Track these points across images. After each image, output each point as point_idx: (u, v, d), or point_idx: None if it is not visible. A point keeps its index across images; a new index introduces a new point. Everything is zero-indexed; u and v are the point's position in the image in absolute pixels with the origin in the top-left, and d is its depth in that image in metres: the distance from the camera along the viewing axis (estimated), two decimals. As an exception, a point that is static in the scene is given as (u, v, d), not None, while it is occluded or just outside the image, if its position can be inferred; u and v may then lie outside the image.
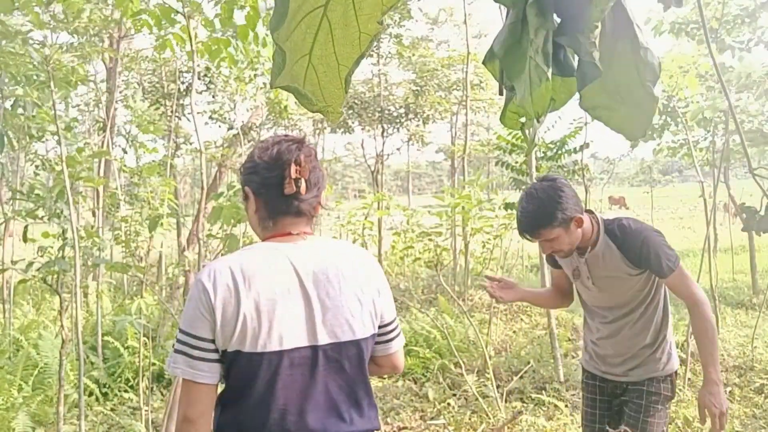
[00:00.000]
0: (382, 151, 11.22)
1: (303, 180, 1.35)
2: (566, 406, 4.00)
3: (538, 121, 0.78)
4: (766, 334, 5.66)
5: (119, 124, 8.80)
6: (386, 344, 1.47)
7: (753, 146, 6.35)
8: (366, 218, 7.24)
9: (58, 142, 3.19)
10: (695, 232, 16.81)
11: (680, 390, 4.22)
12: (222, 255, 3.31)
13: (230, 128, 9.88)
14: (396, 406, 4.18)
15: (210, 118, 9.78)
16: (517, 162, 5.74)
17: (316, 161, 1.41)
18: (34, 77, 3.63)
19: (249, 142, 9.45)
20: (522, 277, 9.85)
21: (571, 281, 2.33)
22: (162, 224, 4.66)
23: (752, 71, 5.50)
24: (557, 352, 4.65)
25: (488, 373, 4.18)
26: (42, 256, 3.61)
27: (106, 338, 4.88)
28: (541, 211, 2.00)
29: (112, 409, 4.15)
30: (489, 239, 7.02)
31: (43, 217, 3.46)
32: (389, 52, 11.09)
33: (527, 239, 2.13)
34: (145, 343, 4.05)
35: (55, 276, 3.13)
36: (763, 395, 4.19)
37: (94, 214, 6.98)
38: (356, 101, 10.76)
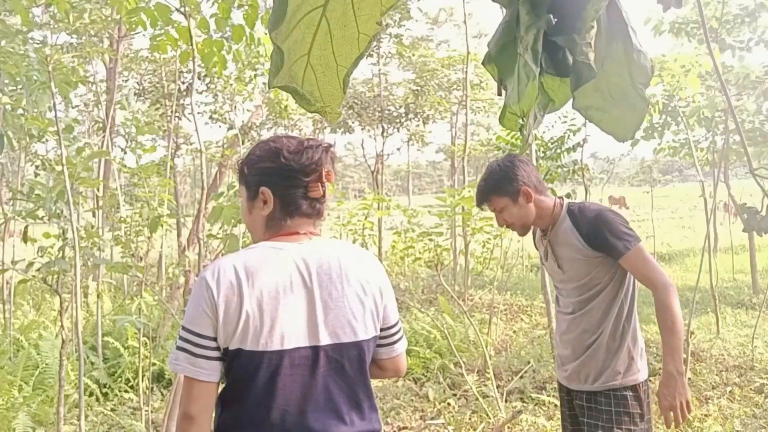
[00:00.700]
0: (382, 151, 11.22)
1: (327, 183, 1.39)
2: (566, 405, 4.00)
3: (522, 120, 0.78)
4: (766, 334, 5.66)
5: (119, 125, 8.81)
6: (389, 347, 1.47)
7: (752, 146, 6.34)
8: (366, 218, 7.24)
9: (59, 143, 3.19)
10: (695, 231, 16.83)
11: (680, 390, 4.21)
12: (222, 255, 3.31)
13: (230, 128, 9.88)
14: (396, 406, 4.18)
15: (210, 118, 9.79)
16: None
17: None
18: (35, 77, 3.63)
19: (249, 142, 9.45)
20: (522, 277, 9.85)
21: None
22: (162, 225, 4.65)
23: (751, 71, 5.50)
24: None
25: (488, 373, 4.18)
26: (42, 257, 3.61)
27: (106, 338, 4.88)
28: (492, 180, 2.07)
29: (112, 409, 4.15)
30: (489, 239, 7.02)
31: (43, 217, 3.46)
32: (389, 52, 11.10)
33: (482, 209, 2.18)
34: (145, 343, 4.05)
35: (55, 276, 3.13)
36: (763, 395, 4.19)
37: (94, 215, 6.99)
38: (356, 101, 10.76)
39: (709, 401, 4.09)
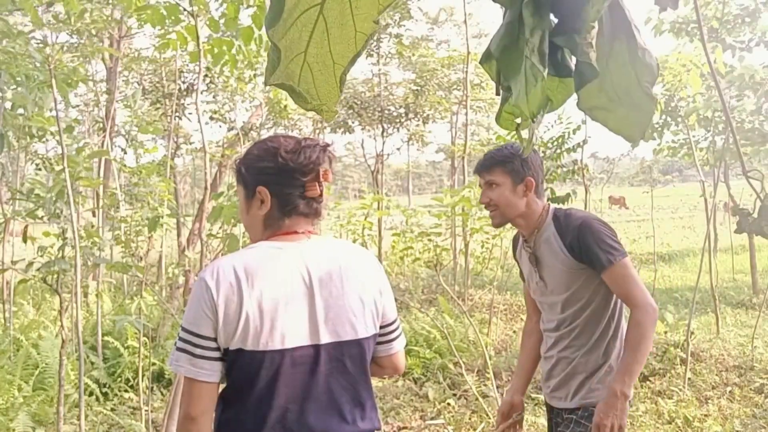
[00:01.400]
0: (382, 150, 11.22)
1: (325, 183, 1.39)
2: (566, 405, 4.00)
3: (533, 121, 0.78)
4: (766, 334, 5.66)
5: (119, 124, 8.81)
6: (388, 344, 1.47)
7: (750, 145, 6.34)
8: (366, 218, 7.24)
9: (59, 142, 3.19)
10: (695, 232, 16.83)
11: (680, 390, 4.22)
12: (222, 255, 3.31)
13: (230, 128, 9.89)
14: (396, 405, 4.18)
15: (210, 118, 9.79)
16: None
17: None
18: (35, 77, 3.63)
19: (249, 141, 9.45)
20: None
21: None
22: (162, 225, 4.66)
23: (755, 71, 5.50)
24: (557, 352, 4.64)
25: (488, 373, 4.18)
26: (42, 256, 3.61)
27: (106, 338, 4.88)
28: (505, 153, 1.96)
29: (112, 409, 4.15)
30: (488, 239, 7.02)
31: (42, 217, 3.46)
32: (389, 52, 11.10)
33: (479, 177, 2.04)
34: (145, 343, 4.05)
35: (55, 276, 3.13)
36: (763, 395, 4.19)
37: (94, 214, 6.99)
38: (356, 101, 10.76)
39: (709, 401, 4.09)
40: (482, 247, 7.86)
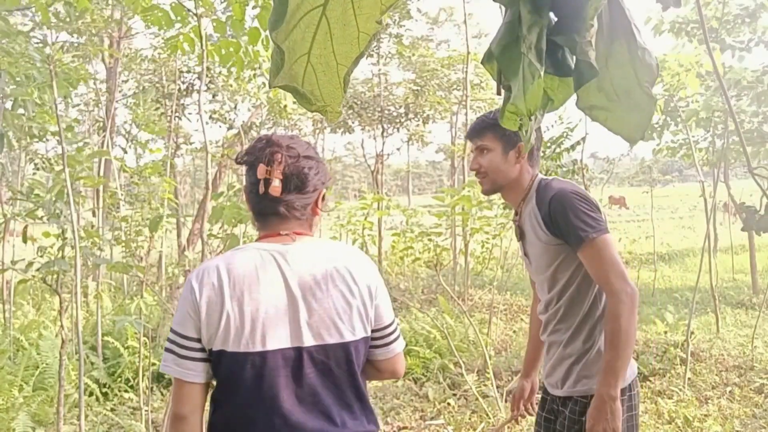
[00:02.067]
0: (382, 151, 11.23)
1: (277, 180, 1.33)
2: (566, 405, 4.00)
3: (531, 119, 0.78)
4: (766, 334, 5.66)
5: (119, 124, 8.81)
6: (385, 348, 1.44)
7: (749, 145, 6.34)
8: (366, 218, 7.24)
9: (59, 142, 3.19)
10: (695, 232, 16.84)
11: (680, 390, 4.22)
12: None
13: (230, 128, 9.89)
14: (396, 405, 4.18)
15: (210, 117, 9.80)
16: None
17: (304, 162, 1.36)
18: (35, 77, 3.63)
19: (249, 141, 9.45)
20: (522, 277, 9.85)
21: None
22: (162, 225, 4.66)
23: (752, 72, 5.50)
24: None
25: (488, 373, 4.18)
26: (42, 256, 3.61)
27: (106, 338, 4.88)
28: (494, 116, 1.82)
29: (112, 409, 4.15)
30: (488, 239, 7.02)
31: (42, 217, 3.46)
32: (389, 52, 11.10)
33: (470, 142, 1.92)
34: (145, 343, 4.05)
35: (55, 276, 3.13)
36: (763, 395, 4.19)
37: (94, 214, 6.99)
38: (356, 101, 10.76)
39: (709, 401, 4.09)
40: (482, 247, 7.85)
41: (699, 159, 6.52)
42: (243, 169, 1.41)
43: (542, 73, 0.73)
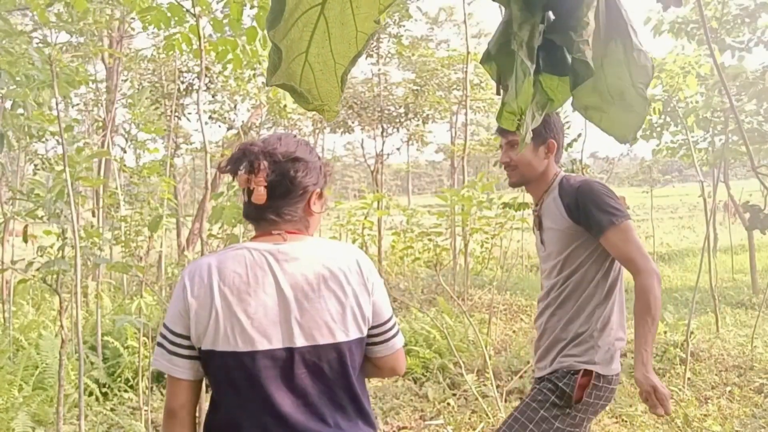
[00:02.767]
0: (382, 150, 11.23)
1: (261, 188, 1.32)
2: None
3: (528, 118, 0.78)
4: (766, 334, 5.66)
5: (119, 124, 8.81)
6: (384, 344, 1.42)
7: (749, 145, 6.33)
8: (366, 218, 7.24)
9: (59, 142, 3.19)
10: (695, 232, 16.84)
11: (680, 390, 4.22)
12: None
13: (230, 128, 9.89)
14: (395, 405, 4.18)
15: (210, 118, 9.79)
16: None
17: (288, 165, 1.34)
18: (35, 77, 3.63)
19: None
20: (522, 277, 9.86)
21: None
22: (162, 225, 4.65)
23: (750, 71, 5.50)
24: (557, 352, 4.64)
25: (488, 373, 4.18)
26: (42, 256, 3.61)
27: (105, 338, 4.88)
28: None
29: (112, 409, 4.15)
30: (487, 239, 7.02)
31: (42, 217, 3.46)
32: (389, 52, 11.10)
33: (501, 137, 2.03)
34: (145, 343, 4.05)
35: (55, 276, 3.13)
36: (763, 395, 4.19)
37: (94, 214, 6.99)
38: (356, 101, 10.76)
39: (709, 401, 4.10)
40: (482, 247, 7.85)
41: (698, 159, 6.52)
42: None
43: (532, 70, 0.72)
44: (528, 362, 4.80)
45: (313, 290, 1.30)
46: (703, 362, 4.89)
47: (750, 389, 4.28)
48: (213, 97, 9.61)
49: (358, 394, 1.36)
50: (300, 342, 1.28)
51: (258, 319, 1.27)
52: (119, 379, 4.55)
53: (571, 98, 0.88)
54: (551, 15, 0.75)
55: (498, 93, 0.85)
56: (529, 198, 5.06)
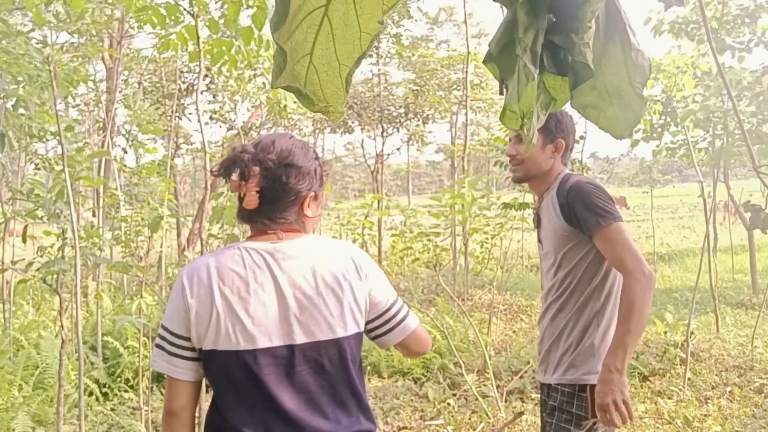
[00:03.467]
0: (382, 151, 11.23)
1: (252, 193, 1.32)
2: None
3: (533, 119, 0.78)
4: (766, 334, 5.66)
5: (119, 124, 8.81)
6: (395, 330, 1.43)
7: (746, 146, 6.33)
8: (366, 218, 7.25)
9: (59, 142, 3.19)
10: (695, 232, 16.85)
11: (680, 390, 4.22)
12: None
13: (230, 128, 9.89)
14: (396, 405, 4.18)
15: (210, 118, 9.79)
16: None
17: (281, 171, 1.33)
18: (36, 77, 3.63)
19: (249, 141, 9.46)
20: (522, 277, 9.86)
21: None
22: (162, 226, 4.65)
23: (750, 72, 5.50)
24: (557, 352, 4.64)
25: (488, 373, 4.18)
26: (42, 256, 3.61)
27: (105, 338, 4.88)
28: None
29: (112, 409, 4.15)
30: (487, 239, 7.02)
31: (42, 217, 3.46)
32: (389, 52, 11.10)
33: (510, 130, 1.96)
34: (145, 343, 4.05)
35: (55, 276, 3.13)
36: (763, 395, 4.19)
37: (94, 214, 6.99)
38: (356, 101, 10.76)
39: (709, 401, 4.10)
40: (482, 247, 7.86)
41: (698, 159, 6.52)
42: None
43: (536, 76, 0.73)
44: (528, 362, 4.81)
45: (311, 287, 1.32)
46: (703, 362, 4.89)
47: (750, 389, 4.29)
48: (213, 97, 9.61)
49: (359, 390, 1.37)
50: (300, 339, 1.30)
51: (258, 318, 1.28)
52: (119, 379, 4.55)
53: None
54: (552, 17, 0.75)
55: (501, 93, 0.85)
56: (529, 198, 5.07)
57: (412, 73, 11.28)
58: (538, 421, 3.75)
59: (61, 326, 3.01)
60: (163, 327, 1.33)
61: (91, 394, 4.27)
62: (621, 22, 0.85)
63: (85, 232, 3.78)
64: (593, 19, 0.75)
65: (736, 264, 9.85)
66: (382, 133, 10.98)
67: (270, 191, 1.33)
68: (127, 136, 7.41)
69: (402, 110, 11.02)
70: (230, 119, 9.88)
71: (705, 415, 3.84)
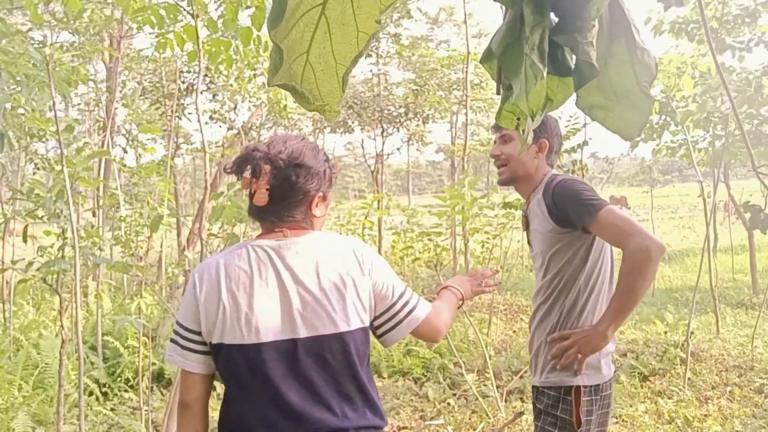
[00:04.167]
0: (382, 150, 11.23)
1: (262, 191, 1.36)
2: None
3: (533, 120, 0.78)
4: (766, 334, 5.66)
5: (119, 124, 8.81)
6: (405, 321, 1.45)
7: (745, 147, 6.32)
8: (366, 218, 7.24)
9: (59, 142, 3.19)
10: (695, 232, 16.83)
11: (680, 390, 4.22)
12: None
13: (230, 128, 9.89)
14: (396, 405, 4.18)
15: (210, 118, 9.79)
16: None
17: (291, 170, 1.37)
18: (35, 76, 3.63)
19: (249, 141, 9.45)
20: (522, 277, 9.86)
21: None
22: (162, 225, 4.65)
23: (750, 72, 5.50)
24: (557, 352, 4.64)
25: (488, 373, 4.18)
26: (42, 256, 3.60)
27: (106, 338, 4.88)
28: None
29: (112, 409, 4.15)
30: (488, 239, 7.01)
31: (42, 217, 3.46)
32: (389, 52, 11.10)
33: (495, 131, 2.02)
34: (145, 343, 4.05)
35: (55, 276, 3.13)
36: (763, 395, 4.19)
37: (94, 214, 6.99)
38: (356, 101, 10.76)
39: (709, 401, 4.09)
40: (482, 247, 7.84)
41: (698, 159, 6.52)
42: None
43: (545, 74, 0.73)
44: (528, 362, 4.80)
45: (314, 283, 1.35)
46: (703, 362, 4.89)
47: (750, 389, 4.28)
48: (213, 97, 9.61)
49: (365, 385, 1.39)
50: (303, 333, 1.33)
51: (262, 312, 1.32)
52: (119, 379, 4.55)
53: (574, 97, 0.89)
54: (554, 17, 0.75)
55: (498, 92, 0.85)
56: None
57: (412, 73, 11.26)
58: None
59: (61, 326, 3.01)
60: (177, 323, 1.39)
61: (91, 393, 4.27)
62: (625, 21, 0.85)
63: (85, 232, 3.78)
64: (597, 17, 0.75)
65: (736, 264, 9.85)
66: (382, 133, 10.98)
67: (279, 189, 1.37)
68: (127, 135, 7.40)
69: (402, 110, 11.01)
70: (230, 119, 9.88)
71: (705, 415, 3.84)
